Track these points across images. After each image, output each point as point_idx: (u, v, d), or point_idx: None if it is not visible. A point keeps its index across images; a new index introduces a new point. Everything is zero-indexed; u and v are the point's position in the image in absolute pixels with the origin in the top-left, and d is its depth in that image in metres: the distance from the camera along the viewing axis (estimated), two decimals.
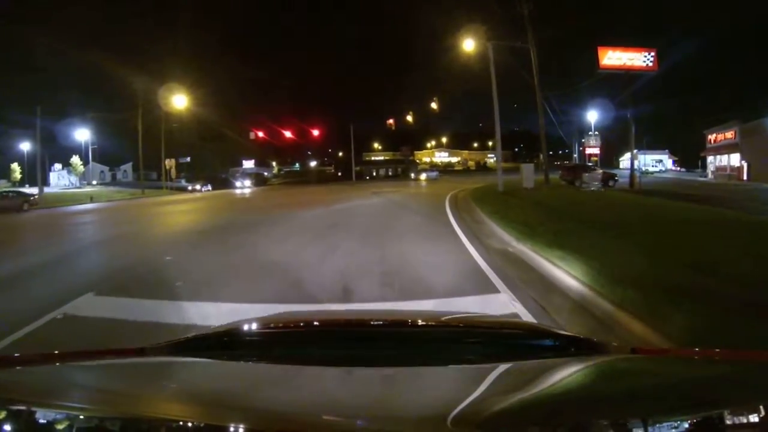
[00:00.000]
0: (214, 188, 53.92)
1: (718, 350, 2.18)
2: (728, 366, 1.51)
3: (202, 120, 60.88)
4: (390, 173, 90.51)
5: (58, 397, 1.20)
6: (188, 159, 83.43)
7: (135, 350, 1.60)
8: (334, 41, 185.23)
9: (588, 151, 72.83)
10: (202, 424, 1.01)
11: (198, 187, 51.63)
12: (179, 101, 48.33)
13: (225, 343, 1.64)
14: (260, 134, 54.21)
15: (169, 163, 54.82)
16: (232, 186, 54.15)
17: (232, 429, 0.98)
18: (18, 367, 1.54)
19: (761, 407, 1.00)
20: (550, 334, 1.77)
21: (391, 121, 41.72)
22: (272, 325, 1.85)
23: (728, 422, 0.98)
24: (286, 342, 1.68)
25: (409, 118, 38.67)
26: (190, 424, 1.01)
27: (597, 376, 1.42)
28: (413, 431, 1.02)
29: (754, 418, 0.98)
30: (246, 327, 1.74)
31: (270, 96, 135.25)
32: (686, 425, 0.97)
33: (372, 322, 1.83)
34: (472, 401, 1.14)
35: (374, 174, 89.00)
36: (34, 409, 1.07)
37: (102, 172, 78.21)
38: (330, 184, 51.98)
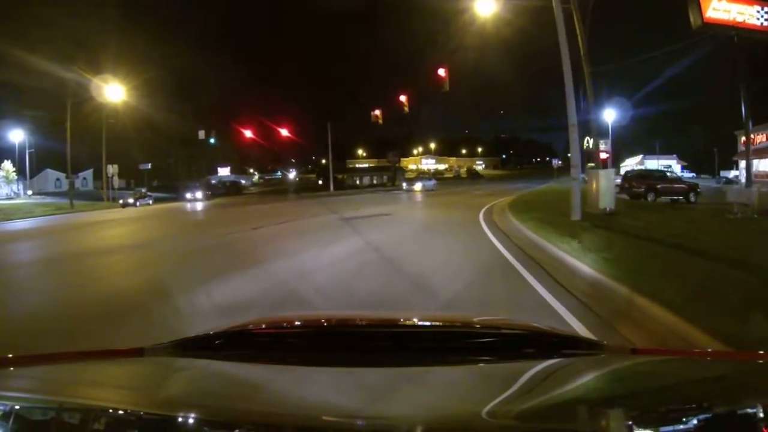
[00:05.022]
0: (165, 200, 43.65)
1: (718, 350, 2.36)
2: (728, 366, 1.49)
3: (155, 121, 51.52)
4: (375, 181, 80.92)
5: (58, 396, 1.17)
6: (149, 166, 75.32)
7: (135, 350, 1.55)
8: (311, 31, 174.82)
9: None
10: (201, 424, 0.98)
11: (131, 200, 38.88)
12: (116, 94, 39.61)
13: (225, 343, 1.57)
14: (202, 133, 42.94)
15: (112, 169, 44.12)
16: (184, 198, 43.17)
17: (232, 429, 0.96)
18: (18, 368, 1.48)
19: (761, 407, 0.98)
20: (550, 334, 1.68)
21: (377, 112, 30.42)
22: (273, 326, 1.76)
23: (728, 422, 0.95)
24: (287, 342, 1.60)
25: (403, 98, 26.30)
26: (190, 424, 0.98)
27: (597, 376, 1.38)
28: (413, 431, 0.97)
29: (753, 418, 0.96)
30: (246, 327, 1.68)
31: (237, 94, 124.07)
32: (686, 425, 0.93)
33: (372, 324, 1.76)
34: (472, 401, 1.13)
35: (358, 182, 79.78)
36: (34, 408, 1.06)
37: (58, 179, 68.01)
38: (303, 197, 40.52)
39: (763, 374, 1.33)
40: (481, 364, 1.45)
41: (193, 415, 1.02)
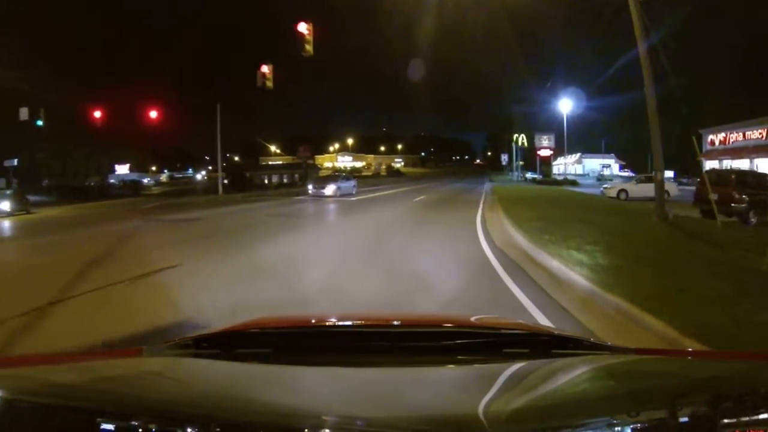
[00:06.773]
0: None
1: (718, 351, 2.33)
2: (728, 366, 1.46)
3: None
4: (285, 180, 68.63)
5: (58, 397, 1.14)
6: (15, 162, 59.51)
7: (135, 350, 1.53)
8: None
9: (541, 153, 57.23)
10: (201, 424, 0.95)
11: None
12: None
13: (225, 343, 1.53)
14: (24, 111, 28.35)
15: None
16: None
17: (231, 429, 0.95)
18: (18, 368, 1.46)
19: (761, 407, 0.97)
20: (550, 334, 1.66)
21: (265, 69, 17.45)
22: (272, 326, 1.71)
23: (728, 422, 0.93)
24: (286, 342, 1.54)
25: (304, 29, 13.65)
26: (189, 424, 0.95)
27: (597, 376, 1.35)
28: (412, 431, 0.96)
29: (753, 418, 0.94)
30: (245, 327, 1.63)
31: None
32: (686, 425, 0.92)
33: (370, 324, 1.73)
34: (472, 402, 1.11)
35: (266, 181, 67.23)
36: (33, 409, 1.04)
37: None
38: (164, 208, 25.13)
39: (763, 374, 1.31)
40: (480, 364, 1.41)
41: (192, 415, 1.00)
